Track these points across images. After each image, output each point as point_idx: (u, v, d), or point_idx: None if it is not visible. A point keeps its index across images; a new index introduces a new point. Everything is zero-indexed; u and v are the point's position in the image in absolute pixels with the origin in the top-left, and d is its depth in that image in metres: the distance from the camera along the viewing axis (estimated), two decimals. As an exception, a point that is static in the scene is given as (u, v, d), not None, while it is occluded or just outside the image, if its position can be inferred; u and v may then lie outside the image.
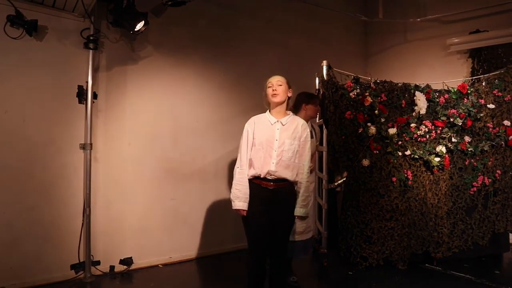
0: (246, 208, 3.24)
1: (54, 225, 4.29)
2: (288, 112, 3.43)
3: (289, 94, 3.41)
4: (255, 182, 3.28)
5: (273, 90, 3.33)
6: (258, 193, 3.26)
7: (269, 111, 3.41)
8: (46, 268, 4.21)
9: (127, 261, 4.71)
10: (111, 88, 4.67)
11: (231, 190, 3.32)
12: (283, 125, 3.32)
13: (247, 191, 3.26)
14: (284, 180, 3.27)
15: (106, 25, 4.61)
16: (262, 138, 3.28)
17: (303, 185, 3.34)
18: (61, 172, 4.34)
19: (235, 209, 3.28)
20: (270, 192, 3.25)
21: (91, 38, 4.42)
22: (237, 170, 3.31)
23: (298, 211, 3.32)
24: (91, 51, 4.44)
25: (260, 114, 3.45)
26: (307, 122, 4.29)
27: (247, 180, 3.28)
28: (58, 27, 4.32)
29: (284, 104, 3.38)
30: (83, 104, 4.43)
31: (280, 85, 3.33)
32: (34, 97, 4.19)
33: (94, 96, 4.49)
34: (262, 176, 3.25)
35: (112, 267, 4.63)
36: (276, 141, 3.26)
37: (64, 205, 4.35)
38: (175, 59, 5.17)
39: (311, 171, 4.29)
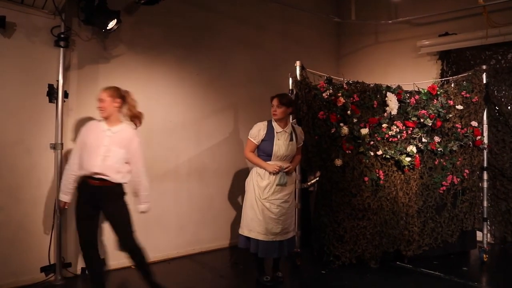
0: (66, 200, 3.72)
1: (23, 227, 4.18)
2: (123, 121, 3.74)
3: (116, 105, 3.66)
4: (84, 180, 3.62)
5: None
6: (86, 190, 3.61)
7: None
8: (15, 271, 4.10)
9: (99, 263, 4.63)
10: (82, 87, 4.59)
11: None
12: (113, 133, 3.63)
13: (69, 186, 3.68)
14: (107, 180, 3.56)
15: (77, 23, 4.53)
16: (91, 142, 3.61)
17: (142, 185, 3.74)
18: (30, 173, 4.24)
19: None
20: (95, 189, 3.57)
21: (62, 36, 4.32)
22: (66, 167, 3.73)
23: (141, 207, 3.80)
24: (61, 49, 4.35)
25: (96, 121, 3.75)
26: (285, 123, 4.30)
27: (70, 177, 3.66)
28: (27, 24, 4.21)
29: (115, 114, 3.67)
30: (54, 103, 4.33)
31: (103, 100, 3.64)
32: (2, 96, 4.08)
33: (65, 95, 4.39)
34: (88, 175, 3.56)
35: (83, 269, 4.53)
36: (103, 147, 3.56)
37: (34, 206, 4.25)
38: (148, 58, 5.12)
39: (291, 174, 4.32)
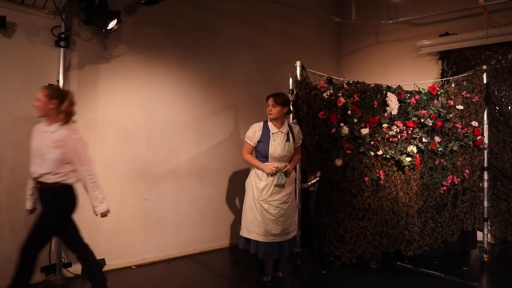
0: (27, 207, 3.63)
1: (23, 227, 4.17)
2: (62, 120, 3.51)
3: (52, 106, 3.43)
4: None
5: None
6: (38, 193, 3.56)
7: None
8: (15, 271, 4.10)
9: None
10: (82, 87, 4.58)
11: None
12: (51, 133, 3.45)
13: (28, 192, 3.60)
14: (45, 182, 3.43)
15: (77, 23, 4.53)
16: (33, 145, 3.51)
17: (88, 185, 3.52)
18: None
19: None
20: (39, 194, 3.52)
21: (62, 36, 4.33)
22: None
23: (93, 210, 3.58)
24: (62, 49, 4.36)
25: (40, 123, 3.57)
26: (281, 123, 4.29)
27: (28, 183, 3.58)
28: (28, 24, 4.21)
29: (52, 114, 3.46)
30: (54, 103, 4.33)
31: (38, 100, 3.45)
32: (2, 96, 4.08)
33: (65, 95, 4.39)
34: (34, 179, 3.49)
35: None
36: (40, 149, 3.44)
37: (34, 207, 4.25)
38: (148, 58, 5.12)
39: (289, 174, 4.30)
